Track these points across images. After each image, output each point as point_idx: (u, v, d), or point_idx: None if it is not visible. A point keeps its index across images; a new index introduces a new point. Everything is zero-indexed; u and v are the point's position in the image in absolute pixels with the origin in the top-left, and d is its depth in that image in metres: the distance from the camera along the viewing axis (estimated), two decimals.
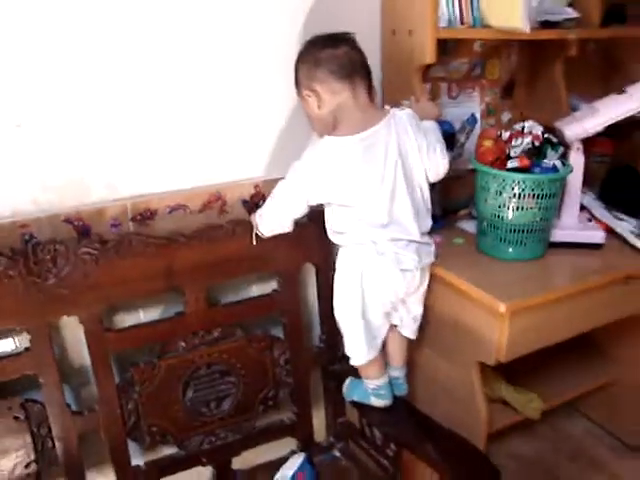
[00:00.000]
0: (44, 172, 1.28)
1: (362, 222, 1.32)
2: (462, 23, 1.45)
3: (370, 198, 1.30)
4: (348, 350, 1.42)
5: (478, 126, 1.65)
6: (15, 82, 1.20)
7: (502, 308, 1.31)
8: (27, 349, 1.29)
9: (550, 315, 1.41)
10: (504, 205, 1.43)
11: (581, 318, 1.49)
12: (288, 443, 1.63)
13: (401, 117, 1.33)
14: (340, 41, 1.29)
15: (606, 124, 1.47)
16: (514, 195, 1.41)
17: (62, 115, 1.27)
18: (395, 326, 1.47)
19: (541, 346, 1.46)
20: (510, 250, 1.48)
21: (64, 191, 1.31)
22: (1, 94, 1.20)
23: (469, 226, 1.66)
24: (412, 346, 1.54)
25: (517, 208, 1.42)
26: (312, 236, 1.51)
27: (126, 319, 1.44)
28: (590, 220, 1.63)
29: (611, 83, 1.73)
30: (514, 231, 1.45)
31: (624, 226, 1.60)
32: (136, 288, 1.36)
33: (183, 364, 1.44)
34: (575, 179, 1.52)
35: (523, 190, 1.40)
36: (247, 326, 1.51)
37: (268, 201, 1.37)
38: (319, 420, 1.67)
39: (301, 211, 1.35)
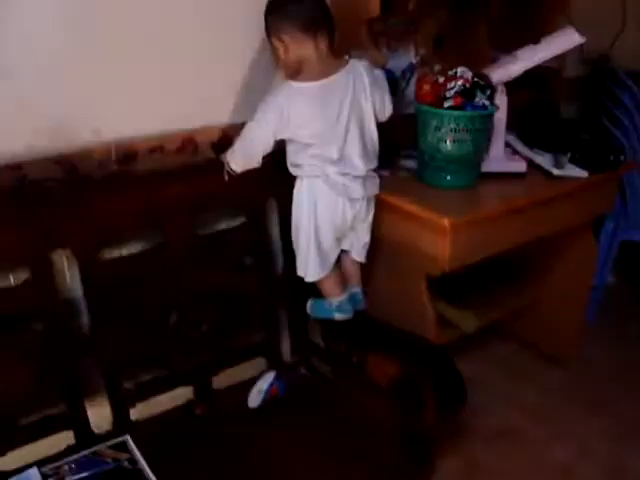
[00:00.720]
0: (35, 118, 1.39)
1: (317, 158, 1.52)
2: None
3: (325, 138, 1.50)
4: (303, 269, 1.63)
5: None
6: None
7: (446, 222, 1.55)
8: (26, 282, 1.41)
9: (485, 231, 1.67)
10: (442, 139, 1.66)
11: (510, 234, 1.76)
12: (259, 364, 1.83)
13: (358, 67, 1.54)
14: None
15: (525, 68, 1.73)
16: (451, 130, 1.64)
17: (50, 64, 1.38)
18: (347, 251, 1.69)
19: (478, 259, 1.71)
20: (448, 178, 1.71)
21: (54, 135, 1.43)
22: None
23: (410, 163, 1.88)
24: (367, 267, 1.76)
25: (454, 141, 1.65)
26: (274, 174, 1.69)
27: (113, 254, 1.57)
28: (513, 154, 1.90)
29: (524, 38, 2.00)
30: (451, 161, 1.69)
31: (541, 159, 1.87)
32: (124, 222, 1.50)
33: (167, 290, 1.58)
34: (500, 117, 1.77)
35: (458, 125, 1.63)
36: (222, 255, 1.69)
37: (239, 140, 1.55)
38: (285, 342, 1.87)
39: (269, 146, 1.53)
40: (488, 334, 2.41)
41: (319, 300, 1.73)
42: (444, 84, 1.68)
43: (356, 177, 1.55)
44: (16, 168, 1.38)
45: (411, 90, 1.85)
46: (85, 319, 1.53)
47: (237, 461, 1.46)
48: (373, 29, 1.81)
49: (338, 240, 1.62)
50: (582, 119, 2.23)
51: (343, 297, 1.67)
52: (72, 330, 1.49)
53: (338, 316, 1.68)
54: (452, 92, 1.66)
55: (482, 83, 1.70)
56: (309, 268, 1.61)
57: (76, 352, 1.48)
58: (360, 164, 1.55)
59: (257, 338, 1.80)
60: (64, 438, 1.52)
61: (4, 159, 1.37)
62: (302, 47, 1.48)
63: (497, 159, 1.83)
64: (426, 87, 1.70)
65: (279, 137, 1.52)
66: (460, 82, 1.67)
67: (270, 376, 1.72)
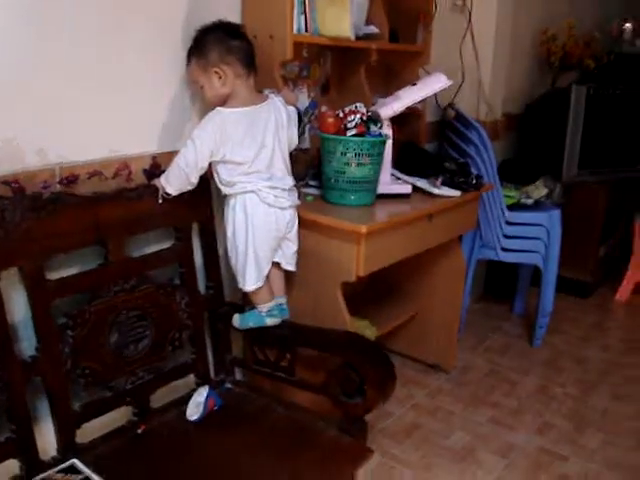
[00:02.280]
0: None
1: (249, 175, 1.71)
2: (307, 31, 1.94)
3: (255, 157, 1.71)
4: (242, 279, 1.79)
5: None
6: None
7: (363, 229, 1.79)
8: None
9: (388, 240, 1.94)
10: (347, 163, 1.92)
11: (406, 244, 2.06)
12: (189, 382, 1.90)
13: (277, 102, 1.78)
14: (243, 35, 1.72)
15: (406, 105, 2.07)
16: (355, 154, 1.91)
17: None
18: (277, 263, 1.86)
19: (385, 264, 1.98)
20: (352, 197, 1.97)
21: (2, 156, 1.47)
22: None
23: (311, 190, 2.12)
24: (286, 280, 1.94)
25: (357, 164, 1.92)
26: (199, 200, 1.85)
27: (54, 276, 1.60)
28: (397, 180, 2.22)
29: (393, 83, 2.38)
30: (355, 182, 1.95)
31: (420, 182, 2.21)
32: (70, 240, 1.56)
33: (108, 310, 1.64)
34: (388, 146, 2.08)
35: (361, 150, 1.91)
36: (155, 276, 1.77)
37: (173, 165, 1.69)
38: (211, 359, 1.96)
39: (203, 168, 1.70)
40: None
41: (247, 312, 1.87)
42: (345, 117, 1.96)
43: (283, 190, 1.76)
44: None
45: (307, 130, 2.12)
46: (24, 344, 1.55)
47: (189, 470, 1.53)
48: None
49: (272, 251, 1.80)
50: (441, 153, 2.65)
51: (273, 303, 1.84)
52: (16, 354, 1.48)
53: (269, 321, 1.84)
54: (353, 123, 1.94)
55: (374, 117, 2.01)
56: (247, 278, 1.77)
57: (22, 375, 1.48)
58: (287, 179, 1.78)
59: (187, 357, 1.88)
60: (7, 469, 1.49)
61: None
62: (238, 79, 1.69)
63: (386, 183, 2.13)
64: (329, 120, 1.96)
65: (213, 158, 1.69)
66: (359, 115, 1.96)
67: (204, 390, 1.80)
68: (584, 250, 3.40)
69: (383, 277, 2.63)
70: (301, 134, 1.99)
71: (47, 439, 1.59)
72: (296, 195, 1.84)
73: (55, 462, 1.53)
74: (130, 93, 1.73)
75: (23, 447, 1.49)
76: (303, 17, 1.92)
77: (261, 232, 1.74)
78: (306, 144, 2.18)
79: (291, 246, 1.86)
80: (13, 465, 1.49)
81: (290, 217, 1.80)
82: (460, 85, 2.82)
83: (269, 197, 1.73)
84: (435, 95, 2.69)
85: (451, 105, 2.77)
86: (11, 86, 1.46)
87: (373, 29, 2.14)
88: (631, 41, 3.82)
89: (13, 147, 1.49)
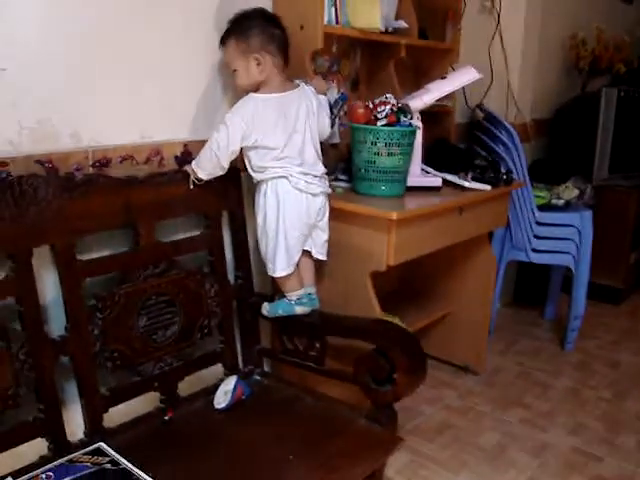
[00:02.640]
0: (22, 117, 1.45)
1: (281, 160, 1.71)
2: (337, 23, 1.95)
3: (287, 143, 1.71)
4: (271, 265, 1.78)
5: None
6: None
7: (394, 216, 1.78)
8: (8, 276, 1.42)
9: (418, 230, 1.92)
10: (377, 153, 1.92)
11: (436, 236, 2.03)
12: (217, 372, 1.88)
13: (307, 90, 1.78)
14: (282, 25, 1.73)
15: (436, 97, 2.06)
16: (385, 144, 1.90)
17: (39, 70, 1.47)
18: (307, 252, 1.85)
19: (415, 255, 1.95)
20: (383, 188, 1.96)
21: (37, 136, 1.48)
22: None
23: (341, 184, 2.11)
24: (319, 270, 1.93)
25: (388, 154, 1.91)
26: (229, 189, 1.85)
27: (85, 257, 1.61)
28: (427, 173, 2.20)
29: (422, 81, 2.37)
30: (386, 172, 1.94)
31: (451, 177, 2.19)
32: (101, 221, 1.57)
33: (137, 293, 1.63)
34: (418, 138, 2.07)
35: (392, 140, 1.90)
36: (184, 262, 1.77)
37: (205, 149, 1.70)
38: (240, 350, 1.94)
39: (235, 152, 1.70)
40: None
41: (277, 301, 1.86)
42: (375, 108, 1.96)
43: (314, 176, 1.75)
44: (2, 164, 1.42)
45: (337, 124, 2.11)
46: (54, 324, 1.55)
47: (216, 458, 1.51)
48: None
49: (303, 237, 1.78)
50: (472, 151, 2.63)
51: (302, 292, 1.82)
52: (46, 333, 1.48)
53: (299, 309, 1.82)
54: (383, 113, 1.94)
55: (404, 108, 2.00)
56: (277, 263, 1.75)
57: (52, 355, 1.48)
58: (318, 165, 1.78)
59: (215, 345, 1.87)
60: (36, 449, 1.48)
61: None
62: (275, 66, 1.70)
63: (416, 176, 2.11)
64: (360, 111, 1.96)
65: (245, 143, 1.69)
66: (389, 106, 1.95)
67: (232, 379, 1.79)
68: (615, 256, 3.35)
69: (413, 277, 2.63)
70: (331, 126, 2.00)
71: (75, 421, 1.58)
72: (327, 183, 1.83)
73: (82, 445, 1.52)
74: (162, 80, 1.74)
75: (51, 427, 1.48)
76: (334, 9, 1.93)
77: (292, 217, 1.73)
78: (336, 139, 2.18)
79: (322, 235, 1.85)
80: (41, 445, 1.48)
81: (321, 204, 1.79)
82: (489, 86, 2.81)
83: (300, 182, 1.72)
84: (465, 96, 2.72)
85: (480, 106, 2.76)
86: (47, 67, 1.49)
87: (402, 24, 2.14)
88: None
89: (48, 128, 1.51)
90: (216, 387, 1.78)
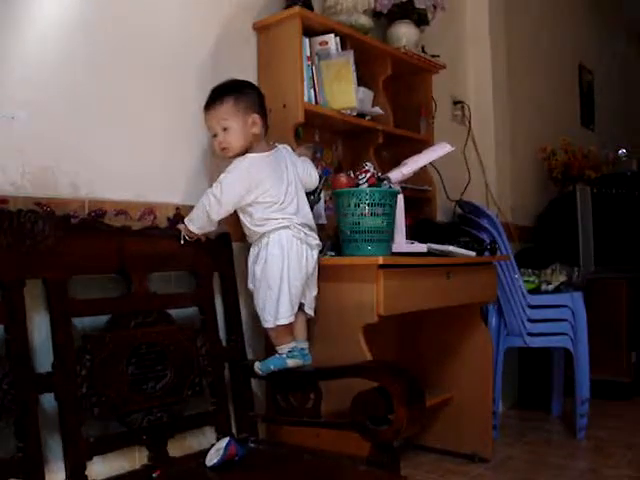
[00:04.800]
0: (25, 162, 1.57)
1: (281, 212, 1.81)
2: (316, 104, 2.15)
3: (283, 196, 1.82)
4: (273, 314, 1.78)
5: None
6: (11, 80, 1.56)
7: (380, 260, 1.83)
8: None
9: (407, 283, 1.95)
10: (361, 214, 2.00)
11: (426, 294, 2.05)
12: (209, 436, 1.80)
13: (285, 149, 1.94)
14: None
15: (413, 170, 2.19)
16: (368, 204, 2.00)
17: (45, 123, 1.62)
18: (302, 306, 1.87)
19: (405, 309, 1.96)
20: (369, 248, 2.00)
21: (38, 181, 1.59)
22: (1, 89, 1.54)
23: (330, 253, 2.17)
24: (311, 330, 1.93)
25: (371, 214, 2.00)
26: (220, 252, 1.93)
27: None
28: (412, 243, 2.27)
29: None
30: (370, 232, 2.00)
31: (436, 246, 2.25)
32: (94, 263, 1.62)
33: (128, 339, 1.63)
34: (400, 205, 2.17)
35: (373, 200, 1.99)
36: (176, 317, 1.78)
37: (199, 204, 1.80)
38: (232, 415, 1.87)
39: (228, 210, 1.80)
40: (407, 449, 2.53)
41: (268, 358, 1.84)
42: (356, 176, 2.09)
43: (310, 229, 1.87)
44: (2, 201, 1.50)
45: (322, 204, 2.23)
46: (41, 361, 1.52)
47: None
48: None
49: (302, 288, 1.83)
50: (456, 228, 2.72)
51: (294, 344, 1.81)
52: (32, 366, 1.47)
53: (291, 362, 1.79)
54: (364, 179, 2.06)
55: (384, 177, 2.13)
56: (281, 311, 1.78)
57: (36, 389, 1.45)
58: (309, 214, 1.89)
59: (207, 406, 1.80)
60: None
61: None
62: (263, 128, 1.87)
63: (402, 243, 2.18)
64: (342, 179, 2.09)
65: (246, 201, 1.79)
66: (369, 174, 2.08)
67: (226, 439, 1.71)
68: (615, 350, 3.30)
69: (411, 362, 2.57)
70: (317, 201, 2.11)
71: (56, 469, 1.50)
72: (317, 236, 1.91)
73: None
74: (160, 147, 1.90)
75: (29, 468, 1.40)
76: (312, 91, 2.14)
77: (295, 266, 1.80)
78: (322, 219, 2.26)
79: (312, 290, 1.90)
80: None
81: (316, 257, 1.88)
82: (467, 183, 2.99)
83: (301, 233, 1.82)
84: (445, 190, 2.87)
85: (459, 201, 2.91)
86: (53, 122, 1.64)
87: (378, 110, 2.35)
88: (627, 163, 4.05)
89: (48, 175, 1.62)
90: (208, 451, 1.71)
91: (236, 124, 1.82)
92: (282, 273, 1.78)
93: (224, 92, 1.84)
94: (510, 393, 3.29)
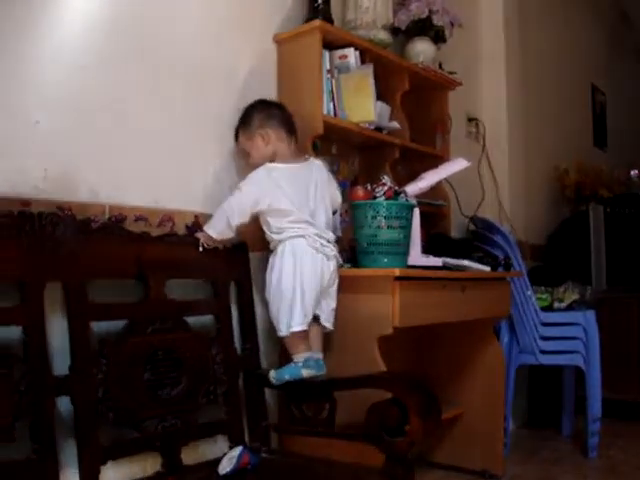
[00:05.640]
0: (48, 167, 1.59)
1: (297, 222, 1.83)
2: (335, 116, 2.17)
3: (300, 206, 1.85)
4: (287, 322, 1.79)
5: None
6: (35, 83, 1.59)
7: (397, 272, 1.83)
8: (18, 305, 1.44)
9: (422, 295, 1.96)
10: (378, 226, 2.01)
11: (440, 308, 2.06)
12: (222, 445, 1.80)
13: (317, 163, 1.98)
14: (281, 105, 1.99)
15: (430, 184, 2.21)
16: (385, 217, 2.00)
17: (68, 129, 1.64)
18: (317, 318, 1.87)
19: (420, 322, 1.96)
20: (385, 260, 2.01)
21: (59, 185, 1.61)
22: (24, 94, 1.56)
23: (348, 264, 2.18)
24: (326, 344, 1.93)
25: (387, 227, 2.01)
26: (236, 260, 1.94)
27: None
28: (428, 257, 2.27)
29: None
30: (386, 244, 2.01)
31: (451, 261, 2.26)
32: (113, 268, 1.64)
33: (144, 345, 1.64)
34: (416, 220, 2.18)
35: (390, 213, 2.00)
36: (193, 324, 1.78)
37: (219, 209, 1.83)
38: (246, 424, 1.87)
39: (247, 216, 1.83)
40: (417, 465, 2.50)
41: (283, 367, 1.84)
42: (373, 189, 2.10)
43: (328, 241, 1.87)
44: (25, 203, 1.51)
45: (338, 217, 2.24)
46: (59, 365, 1.52)
47: None
48: None
49: (316, 299, 1.83)
50: (470, 243, 2.72)
51: (309, 354, 1.81)
52: (49, 368, 1.47)
53: (306, 372, 1.79)
54: (381, 192, 2.07)
55: (401, 191, 2.14)
56: (294, 318, 1.78)
57: (52, 391, 1.45)
58: (329, 232, 1.90)
59: (221, 415, 1.80)
60: None
61: (15, 193, 1.52)
62: (280, 141, 1.90)
63: (417, 257, 2.18)
64: (359, 192, 2.10)
65: (259, 207, 1.82)
66: (386, 187, 2.09)
67: (239, 447, 1.71)
68: (626, 369, 3.28)
69: (422, 376, 2.57)
70: (333, 214, 2.12)
71: (70, 473, 1.49)
72: (336, 249, 1.92)
73: None
74: (181, 156, 1.92)
75: (44, 471, 1.40)
76: (332, 104, 2.16)
77: (308, 274, 1.81)
78: (338, 232, 2.27)
79: (331, 303, 1.91)
80: None
81: (334, 269, 1.89)
82: (481, 201, 3.00)
83: (316, 243, 1.83)
84: (459, 205, 2.88)
85: (473, 218, 2.91)
86: (76, 128, 1.66)
87: (395, 124, 2.37)
88: (639, 184, 4.06)
89: (70, 179, 1.64)
90: (221, 460, 1.70)
91: (250, 147, 1.95)
92: (295, 281, 1.80)
93: (236, 131, 1.99)
94: (520, 411, 3.26)
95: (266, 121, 1.91)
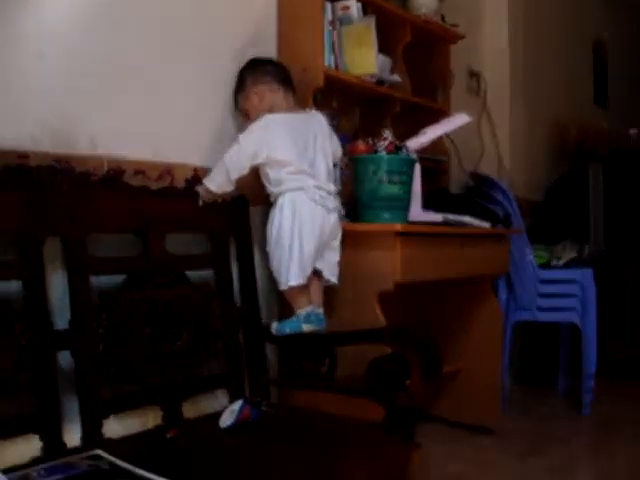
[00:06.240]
0: (45, 117, 1.54)
1: (296, 174, 1.80)
2: (336, 68, 2.12)
3: (299, 157, 1.81)
4: (285, 275, 1.78)
5: None
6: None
7: (398, 227, 1.82)
8: (16, 259, 1.42)
9: (423, 251, 1.97)
10: (379, 181, 1.99)
11: (440, 264, 2.07)
12: (222, 399, 1.80)
13: (319, 115, 1.95)
14: (271, 60, 1.96)
15: (431, 139, 2.18)
16: (386, 172, 1.98)
17: (73, 66, 1.60)
18: (317, 274, 1.86)
19: (420, 277, 1.97)
20: (386, 215, 2.00)
21: (57, 138, 1.57)
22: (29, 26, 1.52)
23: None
24: (327, 296, 1.93)
25: (388, 182, 1.98)
26: (236, 215, 1.90)
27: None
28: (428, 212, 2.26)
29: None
30: (387, 199, 1.99)
31: (452, 216, 2.24)
32: (113, 222, 1.61)
33: (145, 300, 1.62)
34: (417, 175, 2.15)
35: (391, 167, 1.98)
36: (192, 279, 1.76)
37: (219, 162, 1.80)
38: (246, 378, 1.87)
39: (246, 168, 1.80)
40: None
41: (284, 320, 1.85)
42: (374, 143, 2.07)
43: (328, 193, 1.84)
44: (23, 156, 1.48)
45: (338, 170, 2.21)
46: (59, 320, 1.50)
47: (218, 476, 1.40)
48: None
49: (316, 252, 1.81)
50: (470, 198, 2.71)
51: (310, 309, 1.81)
52: (50, 323, 1.46)
53: (306, 327, 1.79)
54: (382, 147, 2.04)
55: (402, 145, 2.11)
56: (291, 272, 1.77)
57: (54, 345, 1.44)
58: (329, 183, 1.87)
59: (221, 369, 1.80)
60: (28, 450, 1.39)
61: (13, 145, 1.47)
62: (275, 95, 1.87)
63: (418, 213, 2.17)
64: (360, 146, 2.07)
65: (258, 159, 1.79)
66: (387, 142, 2.06)
67: (240, 401, 1.71)
68: (622, 327, 3.30)
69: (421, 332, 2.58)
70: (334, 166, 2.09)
71: (72, 427, 1.48)
72: (339, 201, 1.90)
73: (78, 451, 1.42)
74: (179, 108, 1.87)
75: (46, 425, 1.40)
76: (333, 56, 2.11)
77: (307, 227, 1.79)
78: (338, 185, 2.26)
79: (334, 256, 1.89)
80: (35, 446, 1.39)
81: (335, 222, 1.86)
82: (481, 156, 2.97)
83: (316, 195, 1.80)
84: (460, 162, 2.85)
85: (473, 173, 2.89)
86: (72, 73, 1.61)
87: (397, 78, 2.32)
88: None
89: (68, 131, 1.60)
90: (222, 412, 1.71)
91: (248, 106, 1.93)
92: (293, 234, 1.78)
93: (234, 95, 1.97)
94: (514, 368, 3.30)
95: (259, 77, 1.89)
